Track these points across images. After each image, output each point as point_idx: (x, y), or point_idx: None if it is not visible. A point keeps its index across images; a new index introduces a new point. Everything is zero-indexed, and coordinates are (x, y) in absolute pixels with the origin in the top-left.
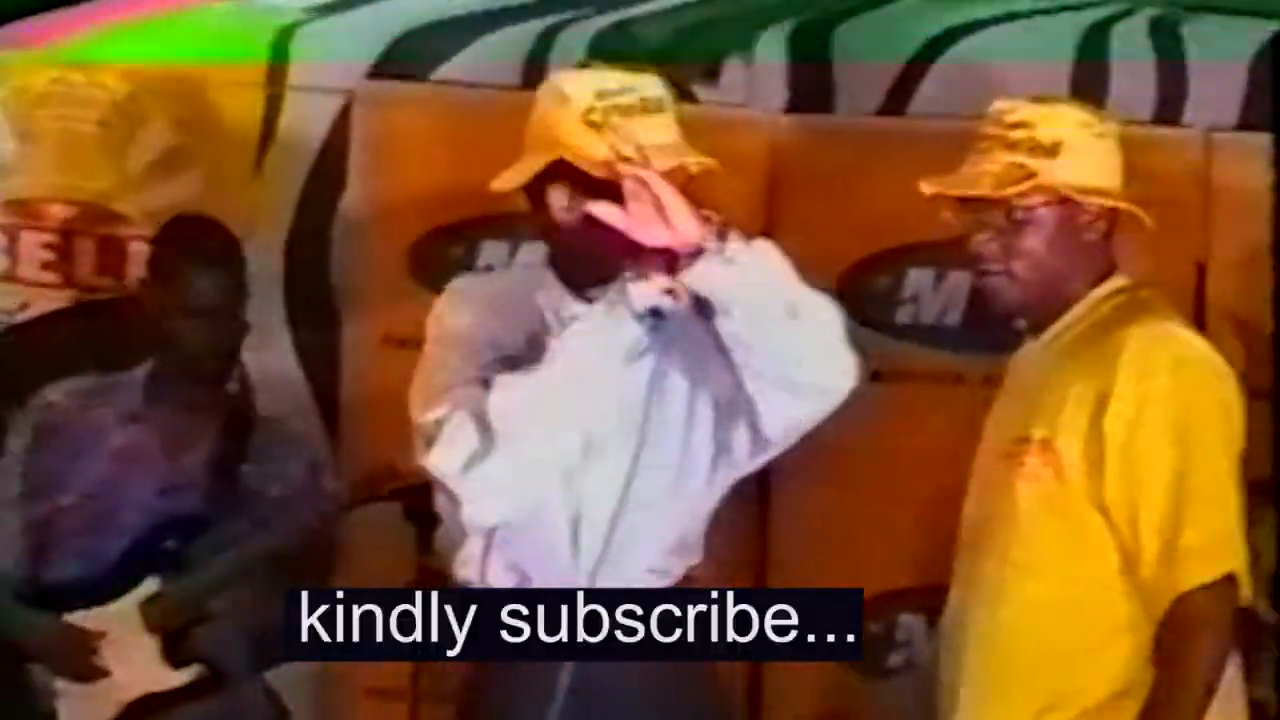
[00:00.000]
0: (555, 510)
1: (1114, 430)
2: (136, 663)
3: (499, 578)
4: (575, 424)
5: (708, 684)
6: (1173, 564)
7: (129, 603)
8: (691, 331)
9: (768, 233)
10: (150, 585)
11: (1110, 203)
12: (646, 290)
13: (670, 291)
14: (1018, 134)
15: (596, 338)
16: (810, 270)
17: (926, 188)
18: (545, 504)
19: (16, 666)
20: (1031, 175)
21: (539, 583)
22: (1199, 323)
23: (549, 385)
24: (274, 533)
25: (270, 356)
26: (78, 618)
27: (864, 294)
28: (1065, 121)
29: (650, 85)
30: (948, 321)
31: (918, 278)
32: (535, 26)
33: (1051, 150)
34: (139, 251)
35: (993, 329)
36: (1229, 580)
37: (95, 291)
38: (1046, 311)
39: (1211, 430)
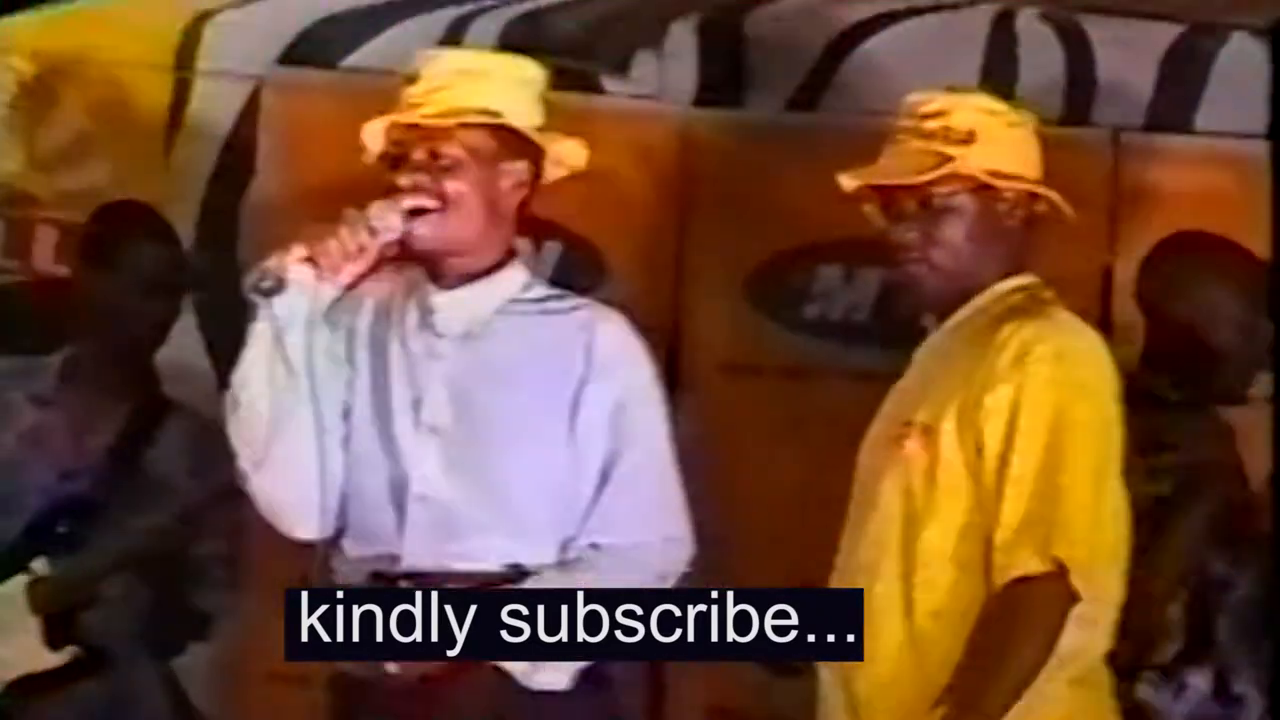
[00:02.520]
0: (378, 484)
1: (991, 418)
2: (18, 643)
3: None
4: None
5: None
6: (1010, 550)
7: (16, 583)
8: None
9: (679, 227)
10: (39, 567)
11: (1028, 187)
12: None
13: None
14: (932, 124)
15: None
16: (721, 266)
17: (846, 181)
18: (367, 478)
19: None
20: (949, 160)
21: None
22: (1105, 325)
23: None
24: (159, 517)
25: (176, 346)
26: None
27: (774, 290)
28: (978, 110)
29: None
30: (856, 318)
31: (827, 274)
32: (447, 15)
33: (967, 138)
34: (48, 234)
35: (901, 325)
36: (1059, 575)
37: (2, 272)
38: (958, 301)
39: (1081, 431)
